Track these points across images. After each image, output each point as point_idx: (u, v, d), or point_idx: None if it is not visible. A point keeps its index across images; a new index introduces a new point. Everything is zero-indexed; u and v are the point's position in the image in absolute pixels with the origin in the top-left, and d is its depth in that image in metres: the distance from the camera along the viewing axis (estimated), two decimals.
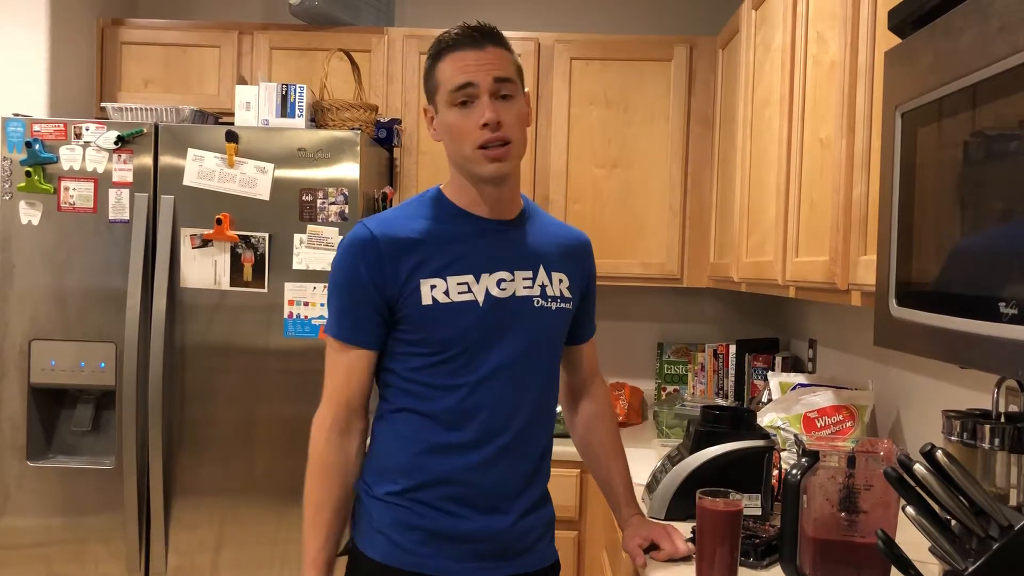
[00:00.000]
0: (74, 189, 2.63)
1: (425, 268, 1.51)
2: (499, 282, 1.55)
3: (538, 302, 1.58)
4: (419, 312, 1.51)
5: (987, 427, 1.24)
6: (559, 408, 1.77)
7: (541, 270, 1.60)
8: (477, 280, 1.53)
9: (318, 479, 1.56)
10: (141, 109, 2.79)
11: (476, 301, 1.52)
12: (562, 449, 2.00)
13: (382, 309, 1.53)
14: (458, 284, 1.52)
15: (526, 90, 1.59)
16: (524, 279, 1.57)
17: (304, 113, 2.77)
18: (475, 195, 1.57)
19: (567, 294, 1.64)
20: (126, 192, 2.63)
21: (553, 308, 1.60)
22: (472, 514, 1.54)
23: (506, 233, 1.59)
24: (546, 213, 1.75)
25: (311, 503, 1.56)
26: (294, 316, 2.64)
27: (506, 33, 1.58)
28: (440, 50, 1.53)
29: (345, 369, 1.56)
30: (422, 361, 1.53)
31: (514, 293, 1.56)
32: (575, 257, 1.69)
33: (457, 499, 1.53)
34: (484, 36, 1.52)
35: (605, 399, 1.84)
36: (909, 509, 1.11)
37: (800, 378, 2.59)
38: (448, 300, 1.51)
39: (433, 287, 1.51)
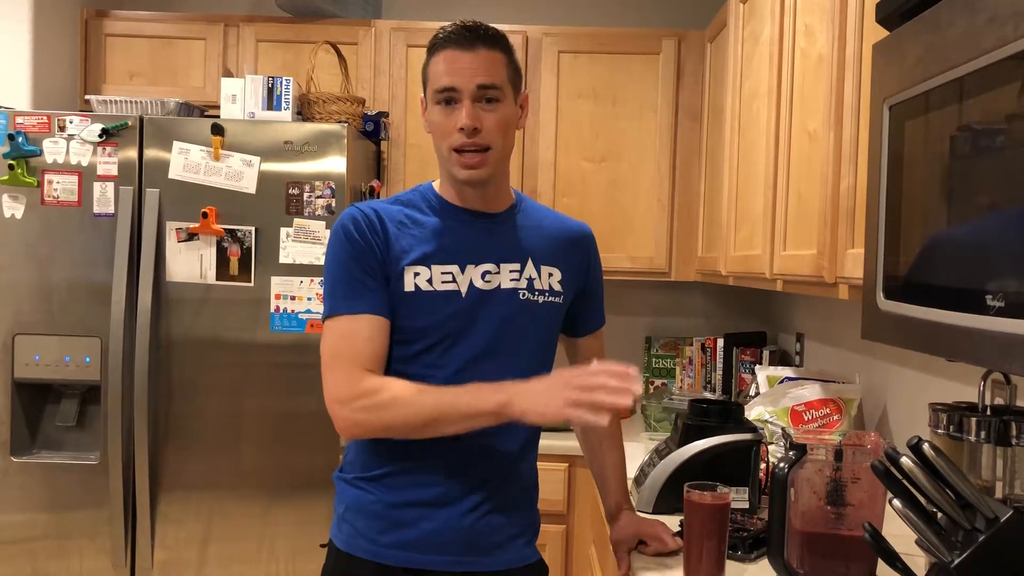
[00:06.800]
0: (58, 182, 2.61)
1: (411, 254, 1.51)
2: (484, 274, 1.54)
3: (524, 295, 1.57)
4: (400, 298, 1.50)
5: (973, 420, 1.24)
6: None
7: (529, 263, 1.59)
8: (462, 271, 1.53)
9: (406, 401, 1.44)
10: (126, 102, 2.76)
11: (459, 291, 1.52)
12: (550, 443, 1.99)
13: (383, 283, 1.50)
14: (442, 273, 1.52)
15: (525, 91, 1.58)
16: (511, 272, 1.56)
17: (290, 106, 2.75)
18: (460, 188, 1.57)
19: (557, 288, 1.62)
20: (111, 185, 2.61)
21: (540, 302, 1.59)
22: (437, 506, 1.52)
23: (493, 226, 1.58)
24: (544, 207, 1.74)
25: (429, 409, 1.44)
26: (281, 310, 2.62)
27: (493, 26, 1.55)
28: (433, 45, 1.52)
29: (365, 336, 1.47)
30: (397, 351, 1.51)
31: (499, 286, 1.55)
32: (572, 249, 1.66)
33: (423, 491, 1.52)
34: (476, 38, 1.49)
35: None
36: (896, 502, 1.12)
37: (787, 372, 2.60)
38: (431, 288, 1.51)
39: (417, 274, 1.51)
